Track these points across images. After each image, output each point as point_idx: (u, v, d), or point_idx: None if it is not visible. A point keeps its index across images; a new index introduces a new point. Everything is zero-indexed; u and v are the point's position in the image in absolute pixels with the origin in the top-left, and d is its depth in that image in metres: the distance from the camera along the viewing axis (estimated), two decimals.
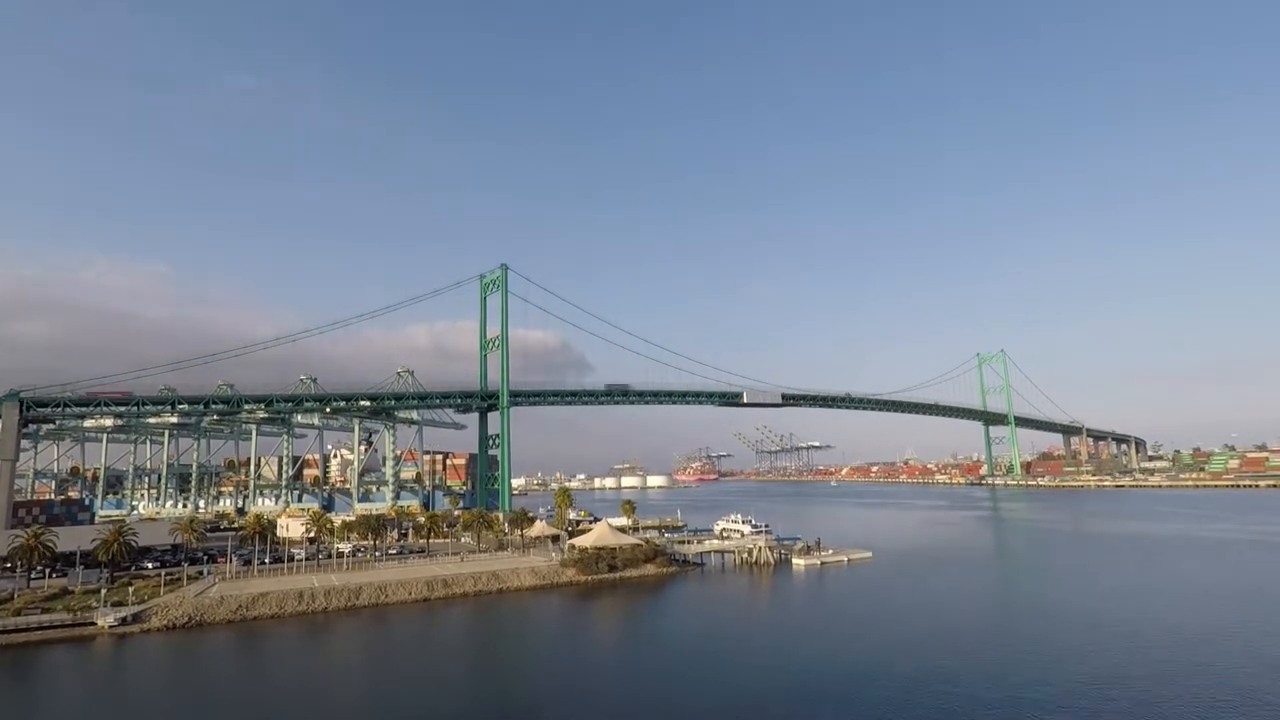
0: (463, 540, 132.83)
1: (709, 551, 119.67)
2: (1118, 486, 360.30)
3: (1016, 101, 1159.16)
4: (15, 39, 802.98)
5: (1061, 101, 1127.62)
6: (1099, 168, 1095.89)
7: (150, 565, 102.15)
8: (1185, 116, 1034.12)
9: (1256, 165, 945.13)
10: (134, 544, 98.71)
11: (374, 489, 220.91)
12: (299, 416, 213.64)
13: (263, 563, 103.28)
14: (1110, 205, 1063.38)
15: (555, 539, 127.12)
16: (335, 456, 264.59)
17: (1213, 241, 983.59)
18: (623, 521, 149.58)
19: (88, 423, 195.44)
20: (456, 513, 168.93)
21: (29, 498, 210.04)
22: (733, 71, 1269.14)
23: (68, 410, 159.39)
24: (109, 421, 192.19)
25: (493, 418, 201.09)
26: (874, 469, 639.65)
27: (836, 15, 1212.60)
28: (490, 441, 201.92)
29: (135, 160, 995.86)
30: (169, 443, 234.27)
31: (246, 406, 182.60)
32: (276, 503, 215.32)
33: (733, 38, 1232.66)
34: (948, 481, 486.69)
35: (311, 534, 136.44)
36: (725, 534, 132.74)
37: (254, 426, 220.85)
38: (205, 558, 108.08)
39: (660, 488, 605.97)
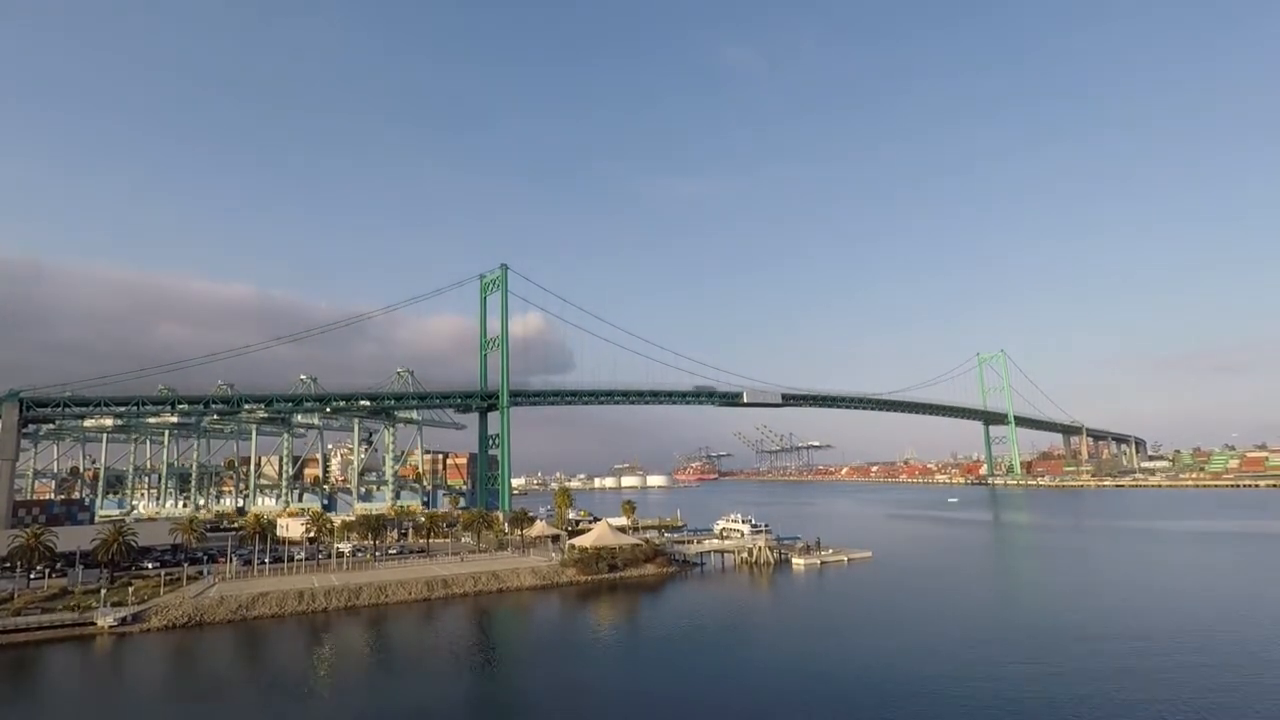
0: (463, 540, 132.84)
1: (709, 551, 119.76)
2: (1118, 486, 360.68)
3: (1015, 90, 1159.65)
4: None
5: (1061, 91, 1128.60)
6: (1098, 164, 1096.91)
7: (150, 565, 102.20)
8: (1191, 110, 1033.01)
9: (1256, 162, 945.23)
10: (134, 544, 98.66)
11: (374, 488, 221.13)
12: (299, 416, 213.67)
13: (263, 563, 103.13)
14: (1109, 205, 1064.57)
15: (555, 539, 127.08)
16: (335, 456, 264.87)
17: (1213, 241, 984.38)
18: (622, 521, 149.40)
19: (88, 423, 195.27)
20: (456, 512, 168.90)
21: (29, 498, 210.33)
22: (734, 47, 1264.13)
23: (68, 410, 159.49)
24: (109, 421, 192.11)
25: (493, 418, 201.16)
26: (874, 469, 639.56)
27: None
28: (490, 441, 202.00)
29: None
30: (169, 443, 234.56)
31: (246, 406, 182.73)
32: (277, 502, 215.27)
33: (734, 8, 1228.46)
34: (948, 481, 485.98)
35: (311, 534, 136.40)
36: (725, 534, 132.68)
37: (254, 426, 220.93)
38: (205, 557, 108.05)
39: (660, 487, 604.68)
